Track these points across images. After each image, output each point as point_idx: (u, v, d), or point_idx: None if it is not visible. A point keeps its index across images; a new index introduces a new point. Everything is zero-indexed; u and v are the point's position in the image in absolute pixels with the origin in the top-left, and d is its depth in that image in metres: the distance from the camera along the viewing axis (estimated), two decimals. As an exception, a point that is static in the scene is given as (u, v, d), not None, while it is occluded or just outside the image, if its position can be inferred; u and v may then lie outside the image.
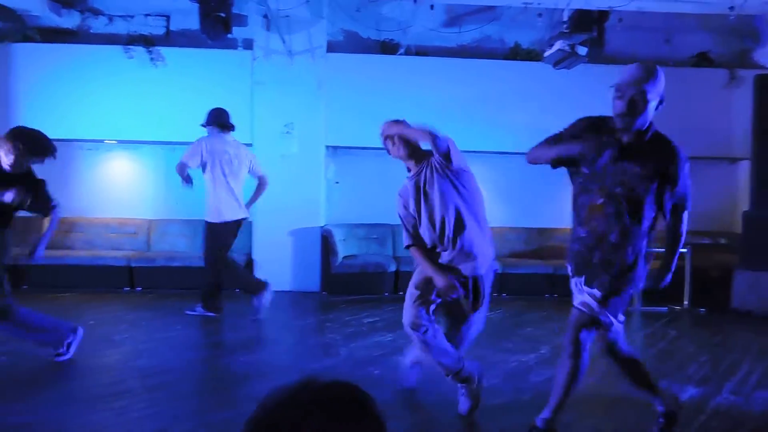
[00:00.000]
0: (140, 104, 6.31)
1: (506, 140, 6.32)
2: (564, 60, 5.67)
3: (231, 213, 4.82)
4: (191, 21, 6.10)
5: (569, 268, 2.72)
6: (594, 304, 2.58)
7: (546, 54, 5.74)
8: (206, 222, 4.89)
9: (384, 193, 6.93)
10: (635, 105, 2.42)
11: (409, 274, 6.07)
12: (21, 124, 6.30)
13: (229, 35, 5.76)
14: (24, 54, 6.28)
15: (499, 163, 6.73)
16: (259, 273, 6.30)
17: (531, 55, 6.51)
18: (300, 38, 6.23)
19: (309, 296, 6.10)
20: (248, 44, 6.31)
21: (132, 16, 6.66)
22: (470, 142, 6.55)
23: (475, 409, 2.99)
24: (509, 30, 6.67)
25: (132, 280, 6.11)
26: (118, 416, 2.95)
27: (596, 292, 2.57)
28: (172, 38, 6.64)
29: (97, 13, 6.72)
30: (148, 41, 6.37)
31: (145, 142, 6.56)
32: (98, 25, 6.66)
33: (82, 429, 2.81)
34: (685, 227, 2.61)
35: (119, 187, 6.67)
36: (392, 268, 6.17)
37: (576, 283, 2.68)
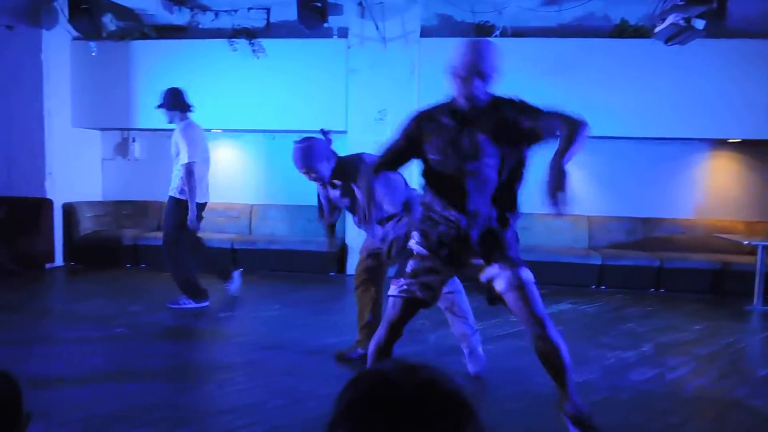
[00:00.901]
0: (243, 94, 6.63)
1: (610, 124, 5.95)
2: (677, 35, 5.21)
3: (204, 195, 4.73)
4: (290, 12, 6.29)
5: None
6: None
7: (657, 29, 5.30)
8: (176, 199, 4.60)
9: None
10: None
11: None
12: (140, 116, 6.90)
13: (325, 24, 5.88)
14: (142, 50, 6.80)
15: (602, 149, 6.36)
16: (352, 258, 6.45)
17: (639, 31, 6.05)
18: (394, 24, 6.23)
19: (400, 282, 6.13)
20: (343, 32, 6.41)
21: (236, 10, 6.99)
22: (570, 126, 6.27)
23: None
24: (615, 5, 6.24)
25: (235, 261, 6.48)
26: (218, 389, 3.15)
27: None
28: (272, 30, 6.90)
29: (204, 9, 7.12)
30: (250, 34, 6.66)
31: (248, 130, 6.90)
32: (206, 20, 7.06)
33: (186, 399, 3.03)
34: None
35: (224, 173, 7.08)
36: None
37: None
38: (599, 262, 5.95)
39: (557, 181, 2.20)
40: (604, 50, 6.07)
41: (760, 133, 5.96)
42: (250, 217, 6.99)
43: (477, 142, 2.33)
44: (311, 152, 3.34)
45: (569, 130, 2.23)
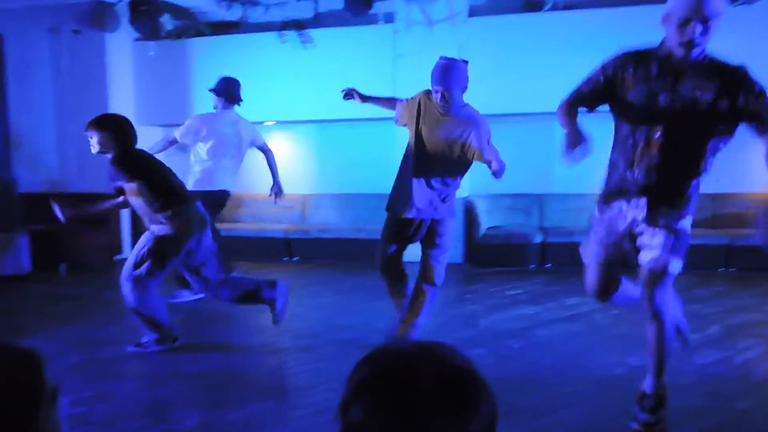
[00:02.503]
0: (294, 85, 6.73)
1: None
2: (745, -5, 4.84)
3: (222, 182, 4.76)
4: (337, 1, 6.31)
5: None
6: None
7: (722, -10, 4.93)
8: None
9: (531, 161, 6.65)
10: None
11: (557, 245, 5.85)
12: (199, 110, 7.15)
13: (371, 11, 5.85)
14: (198, 47, 7.03)
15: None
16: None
17: (704, -6, 5.65)
18: (440, 6, 6.12)
19: (452, 268, 5.98)
20: (389, 18, 6.36)
21: (285, 2, 7.08)
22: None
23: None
24: (676, -31, 5.86)
25: (290, 250, 6.62)
26: (272, 371, 3.24)
27: None
28: (320, 20, 6.94)
29: (255, 3, 7.26)
30: (299, 25, 6.74)
31: (299, 121, 7.00)
32: (256, 14, 7.19)
33: (240, 378, 3.13)
34: None
35: (278, 164, 7.22)
36: (538, 239, 5.89)
37: None
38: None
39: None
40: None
41: None
42: (303, 207, 7.11)
43: (688, 99, 2.16)
44: (456, 73, 3.17)
45: None
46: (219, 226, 6.47)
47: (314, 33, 6.61)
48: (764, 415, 2.61)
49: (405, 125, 3.36)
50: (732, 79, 2.17)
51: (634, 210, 2.31)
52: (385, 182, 6.79)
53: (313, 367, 3.27)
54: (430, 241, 3.32)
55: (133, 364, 3.36)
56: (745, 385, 2.89)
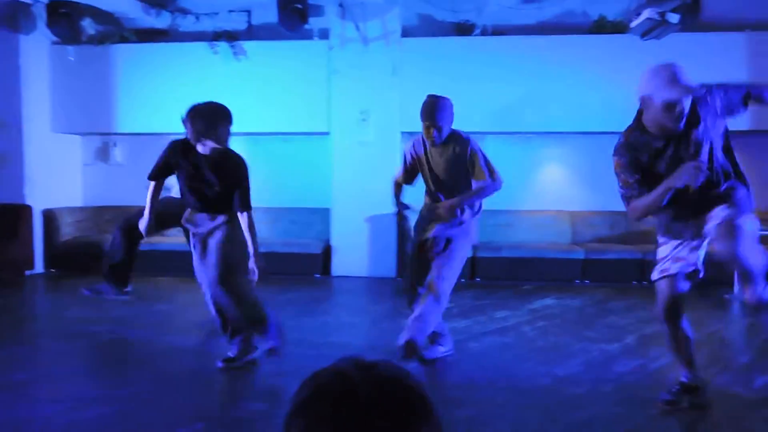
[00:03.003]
0: (225, 98, 6.52)
1: (591, 119, 6.00)
2: (653, 30, 5.27)
3: None
4: (270, 14, 6.27)
5: None
6: None
7: (632, 24, 5.36)
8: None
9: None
10: None
11: (486, 260, 6.05)
12: (121, 120, 6.85)
13: (306, 26, 5.87)
14: (122, 54, 6.74)
15: (585, 144, 6.43)
16: (337, 259, 6.45)
17: (618, 27, 6.10)
18: (375, 25, 6.23)
19: (385, 282, 6.15)
20: (324, 34, 6.40)
21: (216, 13, 6.95)
22: (553, 122, 6.31)
23: None
24: (593, 2, 6.29)
25: (220, 265, 6.43)
26: (202, 395, 3.12)
27: None
28: (253, 32, 6.87)
29: (185, 12, 7.08)
30: (231, 36, 6.63)
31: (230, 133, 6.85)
32: (187, 23, 7.01)
33: (168, 401, 2.99)
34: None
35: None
36: (469, 253, 6.06)
37: None
38: (582, 257, 5.99)
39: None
40: (584, 46, 6.12)
41: (738, 125, 6.03)
42: (234, 221, 6.93)
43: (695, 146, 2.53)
44: (444, 108, 3.37)
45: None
46: (147, 240, 6.19)
47: (247, 45, 6.54)
48: (677, 418, 2.80)
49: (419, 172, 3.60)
50: (693, 109, 2.50)
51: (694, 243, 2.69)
52: (315, 196, 6.87)
53: (247, 386, 3.18)
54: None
55: (49, 388, 3.13)
56: (658, 392, 3.09)
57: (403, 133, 6.51)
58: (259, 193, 6.85)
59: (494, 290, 5.55)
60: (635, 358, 3.64)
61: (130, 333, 4.19)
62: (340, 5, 6.17)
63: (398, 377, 0.73)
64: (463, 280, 5.98)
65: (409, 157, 3.62)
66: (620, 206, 3.53)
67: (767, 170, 6.15)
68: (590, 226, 6.43)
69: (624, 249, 6.04)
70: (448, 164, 3.44)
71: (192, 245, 3.39)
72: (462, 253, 3.52)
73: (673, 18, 4.92)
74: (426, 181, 3.58)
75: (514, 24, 6.41)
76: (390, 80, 6.28)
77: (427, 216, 3.52)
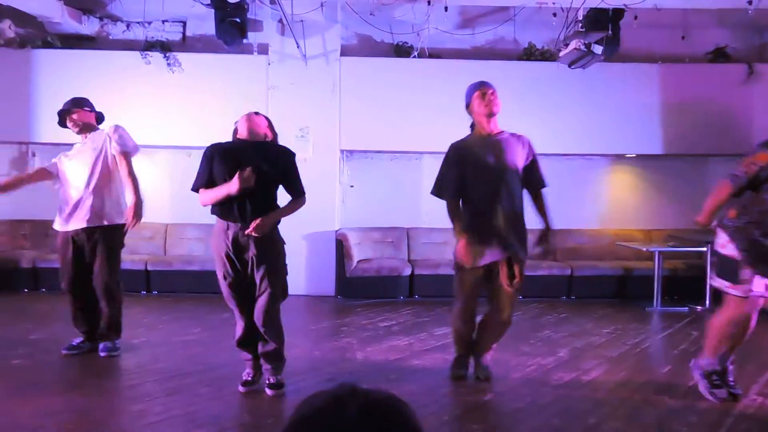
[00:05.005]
0: (157, 109, 6.37)
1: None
2: (580, 59, 5.62)
3: None
4: (207, 26, 6.15)
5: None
6: None
7: (561, 54, 5.69)
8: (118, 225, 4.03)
9: (398, 197, 6.97)
10: None
11: (424, 277, 6.15)
12: (42, 129, 6.43)
13: (245, 40, 5.79)
14: (44, 59, 6.38)
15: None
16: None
17: (545, 55, 6.46)
18: (314, 42, 6.25)
19: (324, 300, 6.10)
20: (263, 49, 6.35)
21: (149, 23, 6.74)
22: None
23: None
24: (523, 30, 6.63)
25: (149, 283, 6.16)
26: (135, 420, 2.97)
27: None
28: (188, 44, 6.71)
29: (115, 19, 6.81)
30: (164, 47, 6.44)
31: (162, 146, 6.62)
32: (117, 31, 6.75)
33: (97, 429, 2.82)
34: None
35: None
36: (407, 272, 6.14)
37: None
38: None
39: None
40: (514, 72, 6.41)
41: (653, 149, 6.52)
42: (164, 237, 6.67)
43: None
44: None
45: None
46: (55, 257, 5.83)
47: (183, 57, 6.37)
48: (611, 427, 2.95)
49: None
50: None
51: None
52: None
53: (185, 411, 3.05)
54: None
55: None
56: (592, 403, 3.26)
57: (342, 150, 6.53)
58: (193, 209, 6.69)
59: (432, 307, 5.64)
60: (569, 370, 3.80)
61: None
62: (280, 21, 6.15)
63: (380, 392, 0.75)
64: (401, 297, 6.08)
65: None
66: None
67: (681, 192, 6.68)
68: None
69: (554, 265, 6.31)
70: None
71: None
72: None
73: (597, 49, 5.26)
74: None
75: (450, 48, 6.64)
76: (329, 98, 6.30)
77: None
